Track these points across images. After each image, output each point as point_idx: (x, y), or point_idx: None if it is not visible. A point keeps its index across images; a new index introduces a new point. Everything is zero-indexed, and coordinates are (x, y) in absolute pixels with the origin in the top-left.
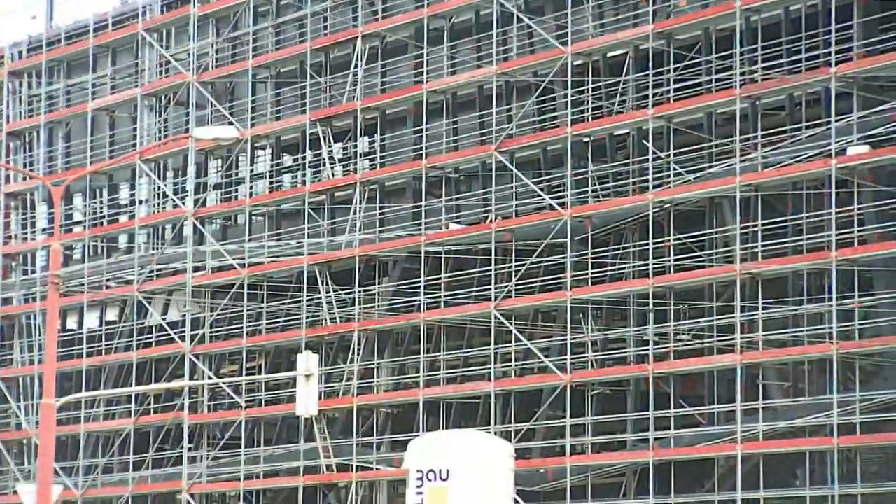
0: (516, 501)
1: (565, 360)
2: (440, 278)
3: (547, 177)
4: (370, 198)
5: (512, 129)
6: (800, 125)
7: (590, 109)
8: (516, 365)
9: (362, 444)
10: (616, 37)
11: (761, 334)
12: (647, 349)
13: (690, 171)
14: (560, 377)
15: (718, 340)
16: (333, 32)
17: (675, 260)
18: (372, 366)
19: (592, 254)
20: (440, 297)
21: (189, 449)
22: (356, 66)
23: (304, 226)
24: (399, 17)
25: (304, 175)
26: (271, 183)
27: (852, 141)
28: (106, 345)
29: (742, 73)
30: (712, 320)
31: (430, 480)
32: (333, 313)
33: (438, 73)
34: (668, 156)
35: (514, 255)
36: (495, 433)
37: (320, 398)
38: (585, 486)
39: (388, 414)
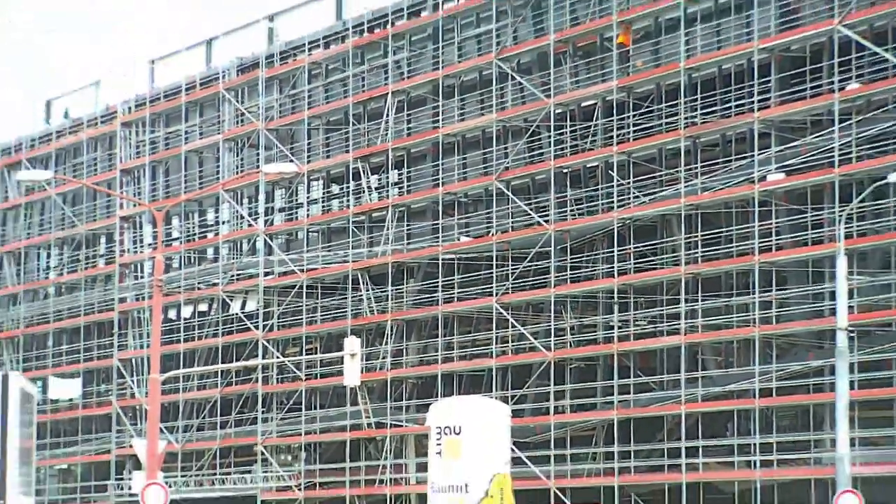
0: (512, 450)
1: (550, 341)
2: (454, 279)
3: (535, 200)
4: (399, 217)
5: (508, 163)
6: (730, 158)
7: (568, 147)
8: (512, 345)
9: (394, 407)
10: (588, 91)
11: (701, 321)
12: (613, 333)
13: (646, 195)
14: (546, 354)
15: (668, 326)
16: (370, 89)
17: (635, 263)
18: (401, 347)
19: (571, 259)
20: (454, 294)
21: (262, 412)
22: (387, 115)
23: (349, 240)
24: (420, 77)
25: (348, 200)
26: (323, 207)
27: (771, 170)
28: (198, 333)
29: (686, 118)
30: (663, 310)
31: (446, 434)
32: (371, 307)
33: (450, 120)
34: (629, 183)
35: (510, 260)
36: (496, 398)
37: (362, 372)
38: (565, 437)
39: (414, 384)
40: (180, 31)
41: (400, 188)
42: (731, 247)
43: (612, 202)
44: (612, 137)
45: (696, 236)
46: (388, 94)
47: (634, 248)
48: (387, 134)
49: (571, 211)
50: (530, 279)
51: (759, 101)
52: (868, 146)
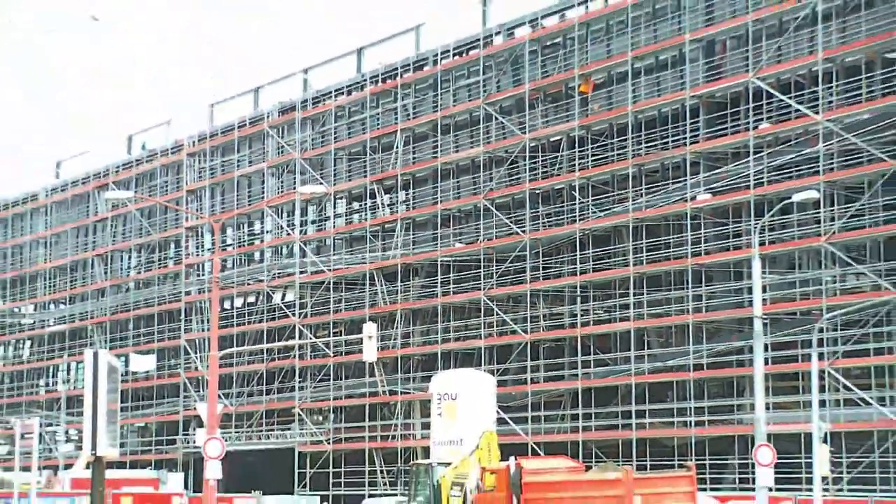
0: (498, 412)
1: (526, 326)
2: (450, 277)
3: (514, 214)
4: (406, 228)
5: (492, 185)
6: (668, 182)
7: (540, 173)
8: (496, 329)
9: (403, 378)
10: (556, 128)
11: (646, 310)
12: (577, 319)
13: (602, 211)
14: (523, 337)
15: (620, 314)
16: (383, 127)
17: (593, 265)
18: (409, 331)
19: (542, 261)
20: (450, 288)
21: (299, 382)
22: (397, 147)
23: (367, 245)
24: (423, 118)
25: (366, 214)
26: (346, 219)
27: (700, 191)
28: (247, 319)
29: (633, 150)
30: (615, 302)
31: (445, 400)
32: (385, 299)
33: (447, 151)
34: (588, 201)
35: (495, 262)
36: (484, 371)
37: (378, 350)
38: (540, 402)
39: (419, 360)
40: (233, 77)
41: (407, 205)
42: (669, 252)
43: (575, 216)
44: (574, 165)
45: (642, 243)
46: (397, 130)
47: (593, 252)
48: (396, 162)
49: (543, 223)
50: (510, 277)
51: (691, 137)
52: (776, 173)
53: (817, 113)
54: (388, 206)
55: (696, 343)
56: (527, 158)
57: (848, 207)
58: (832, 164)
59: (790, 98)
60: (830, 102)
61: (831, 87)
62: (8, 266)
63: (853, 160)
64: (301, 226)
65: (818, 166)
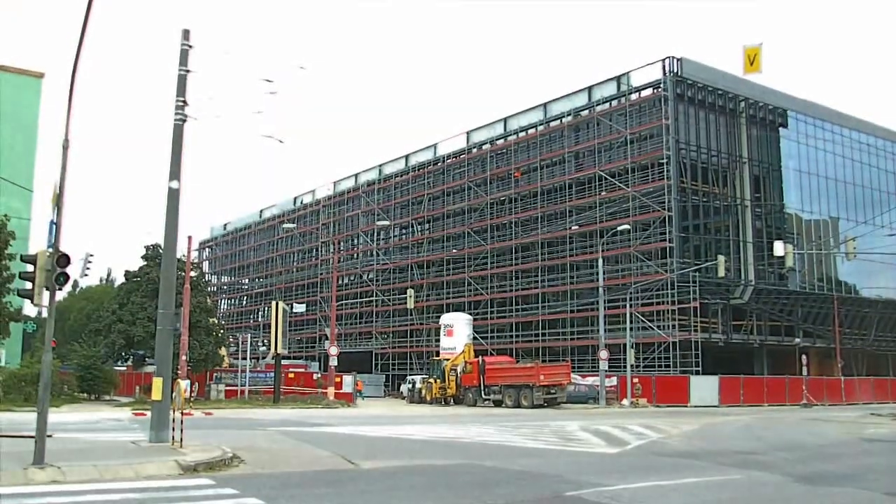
0: (473, 334)
1: (488, 290)
2: (451, 267)
3: (483, 236)
4: (429, 242)
5: (472, 221)
6: (558, 219)
7: (495, 215)
8: (473, 292)
9: (427, 316)
10: (503, 194)
11: (548, 283)
12: (513, 287)
13: (525, 234)
14: (486, 296)
15: (533, 286)
16: (418, 192)
17: (522, 260)
18: (429, 293)
19: (497, 260)
20: (451, 270)
21: (375, 318)
22: (424, 202)
23: (409, 251)
24: (438, 188)
25: (409, 235)
26: (400, 237)
27: (574, 224)
28: (351, 287)
29: (541, 204)
30: (532, 278)
31: (447, 327)
32: (417, 277)
33: (449, 204)
34: (519, 230)
35: (473, 260)
36: (467, 312)
37: (415, 302)
38: (495, 328)
39: (435, 307)
40: (343, 167)
41: (429, 230)
42: (559, 254)
43: (513, 237)
44: (512, 212)
45: (545, 250)
46: (425, 194)
47: (521, 255)
48: (424, 209)
49: (497, 240)
50: (480, 267)
51: (569, 197)
52: (609, 216)
53: (628, 188)
54: (420, 231)
55: (570, 299)
56: (488, 209)
57: (644, 233)
58: (636, 212)
59: (615, 180)
60: (634, 182)
61: (635, 175)
62: (236, 260)
63: (645, 211)
64: (376, 241)
65: (629, 213)
